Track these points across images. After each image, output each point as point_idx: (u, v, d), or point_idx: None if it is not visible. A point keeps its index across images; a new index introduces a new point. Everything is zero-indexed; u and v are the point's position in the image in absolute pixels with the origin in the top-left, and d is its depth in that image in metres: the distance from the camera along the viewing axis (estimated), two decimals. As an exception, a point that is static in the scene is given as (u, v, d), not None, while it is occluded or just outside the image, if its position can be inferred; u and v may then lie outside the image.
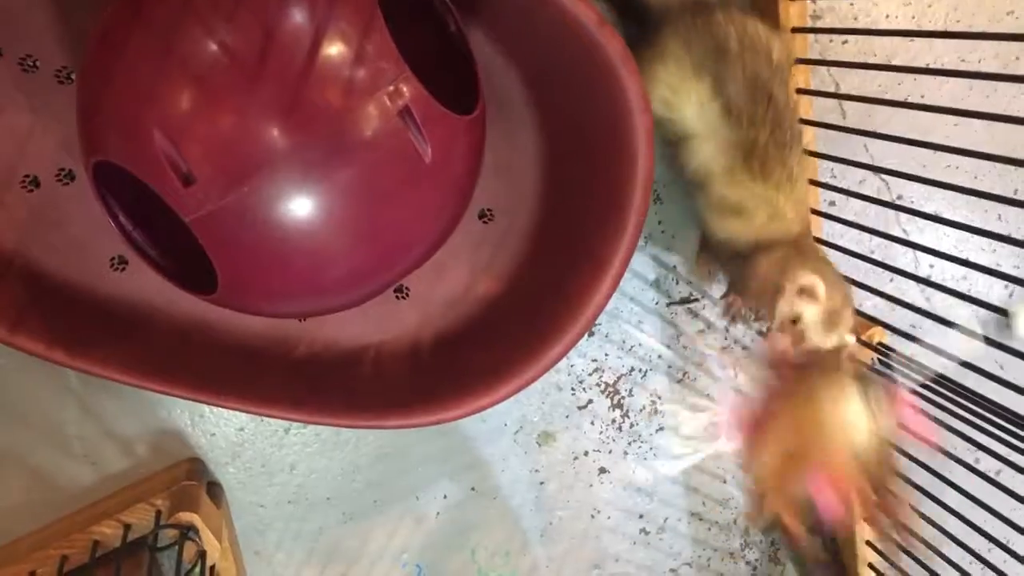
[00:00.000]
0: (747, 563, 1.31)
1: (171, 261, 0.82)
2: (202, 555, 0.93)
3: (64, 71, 0.87)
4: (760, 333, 1.19)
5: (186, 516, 0.93)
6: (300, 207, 0.69)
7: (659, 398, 1.18)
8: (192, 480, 1.00)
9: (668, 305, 1.14)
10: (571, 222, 0.98)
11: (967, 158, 0.81)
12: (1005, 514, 0.93)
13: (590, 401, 1.17)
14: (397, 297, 1.01)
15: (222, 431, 1.05)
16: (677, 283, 1.14)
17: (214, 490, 1.05)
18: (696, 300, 1.15)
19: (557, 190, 1.00)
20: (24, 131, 0.87)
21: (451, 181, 0.79)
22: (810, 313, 0.88)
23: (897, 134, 0.91)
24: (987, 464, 0.94)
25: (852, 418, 0.64)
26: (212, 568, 0.96)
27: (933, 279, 1.22)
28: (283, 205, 0.68)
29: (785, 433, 0.67)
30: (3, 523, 0.99)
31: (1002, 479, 0.92)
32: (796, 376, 0.77)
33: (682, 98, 0.93)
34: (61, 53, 0.86)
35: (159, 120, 0.66)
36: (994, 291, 1.22)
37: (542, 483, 1.18)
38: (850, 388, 0.64)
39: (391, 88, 0.69)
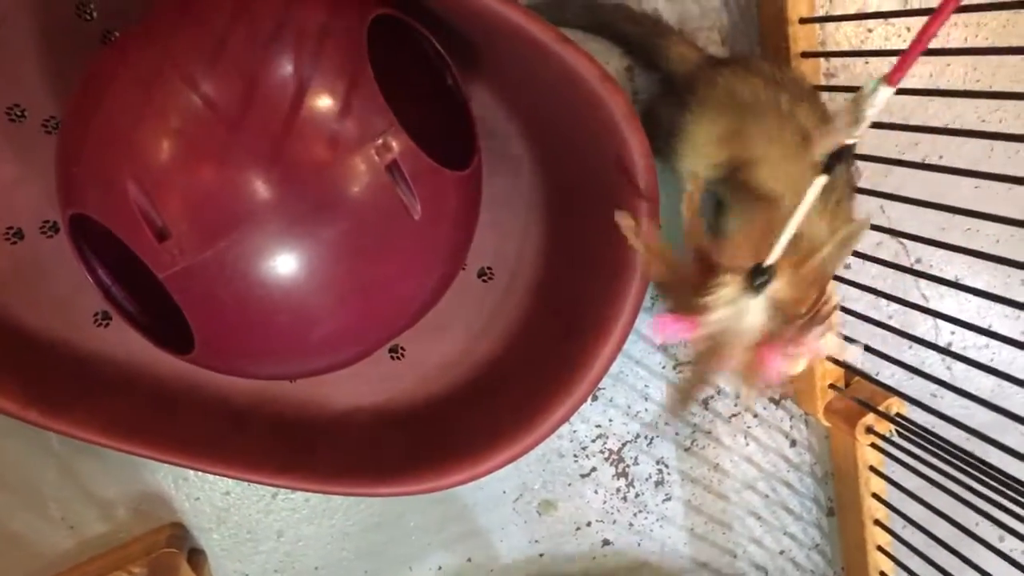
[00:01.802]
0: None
1: (152, 318, 0.79)
2: (180, 627, 0.89)
3: (52, 121, 0.85)
4: (773, 401, 1.14)
5: (165, 584, 0.88)
6: (281, 264, 0.65)
7: (666, 466, 1.13)
8: (173, 547, 0.96)
9: (675, 368, 1.10)
10: (574, 283, 0.94)
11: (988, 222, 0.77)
12: (1034, 599, 0.87)
13: (593, 469, 1.11)
14: (392, 358, 0.97)
15: (207, 495, 1.01)
16: (685, 346, 1.10)
17: (196, 557, 1.00)
18: (704, 364, 1.11)
19: (560, 249, 0.96)
20: (9, 182, 0.85)
21: (443, 239, 0.76)
22: None
23: (915, 196, 0.87)
24: (1011, 544, 0.89)
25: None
26: (190, 641, 0.92)
27: (954, 346, 1.18)
28: (263, 262, 0.65)
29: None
30: (-25, 589, 0.95)
31: (1030, 562, 0.87)
32: None
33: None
34: (49, 103, 0.85)
35: (134, 172, 0.63)
36: (1018, 362, 1.17)
37: (542, 555, 1.13)
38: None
39: (379, 142, 0.66)
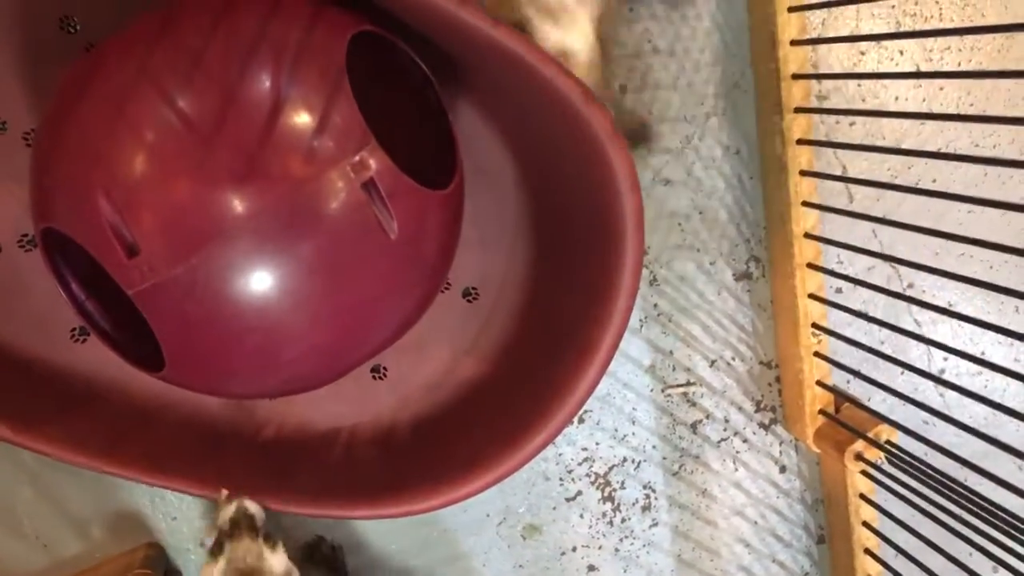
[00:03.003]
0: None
1: (127, 334, 0.78)
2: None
3: (32, 134, 0.84)
4: (762, 426, 1.13)
5: (138, 607, 0.86)
6: (253, 282, 0.64)
7: (653, 491, 1.11)
8: (148, 568, 0.94)
9: (663, 391, 1.08)
10: (559, 304, 0.93)
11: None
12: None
13: (579, 493, 1.10)
14: (374, 377, 0.96)
15: (184, 514, 0.99)
16: (674, 369, 1.08)
17: (173, 579, 0.98)
18: (693, 386, 1.09)
19: (546, 269, 0.95)
20: (-14, 195, 0.84)
21: (421, 258, 0.75)
22: None
23: (907, 220, 0.86)
24: (1005, 577, 0.87)
25: None
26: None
27: (947, 373, 1.16)
28: (235, 279, 0.64)
29: None
30: (-54, 609, 0.93)
31: (1022, 596, 0.85)
32: None
33: None
34: (30, 116, 0.84)
35: (105, 185, 0.62)
36: (1011, 390, 1.15)
37: (525, 580, 1.11)
38: None
39: (355, 159, 0.65)
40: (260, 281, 0.64)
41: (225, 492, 0.81)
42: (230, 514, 0.81)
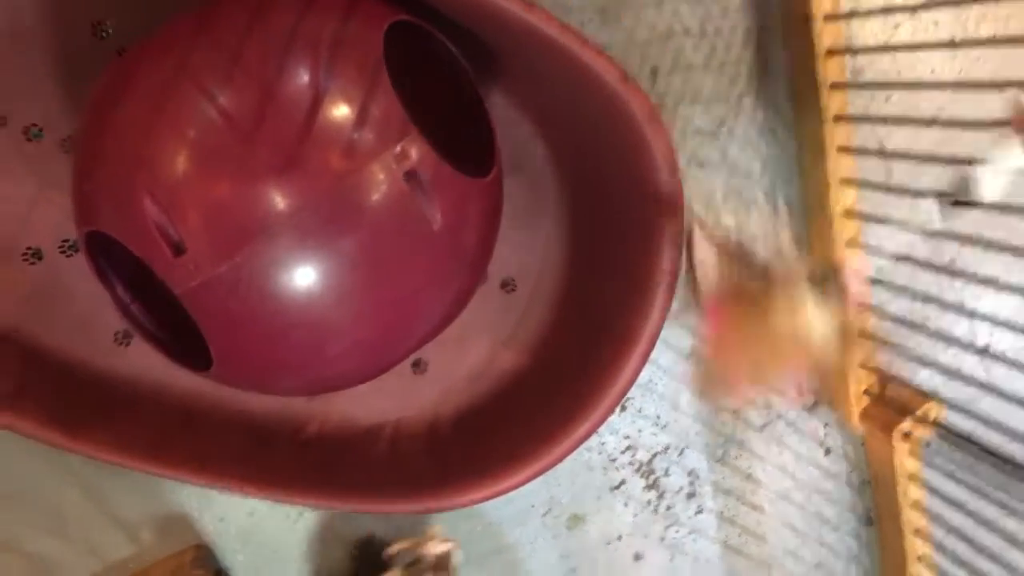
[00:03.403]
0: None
1: (172, 334, 0.78)
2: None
3: (70, 140, 0.84)
4: (806, 408, 1.11)
5: (189, 607, 0.87)
6: (298, 277, 0.64)
7: (697, 477, 1.10)
8: (198, 569, 0.94)
9: (705, 378, 1.08)
10: (598, 293, 0.92)
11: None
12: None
13: (623, 481, 1.09)
14: (415, 372, 0.95)
15: (232, 515, 0.99)
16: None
17: (222, 579, 0.99)
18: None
19: (583, 259, 0.95)
20: (27, 201, 0.84)
21: (463, 249, 0.74)
22: None
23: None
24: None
25: (807, 324, 0.60)
26: (216, 666, 0.90)
27: (992, 348, 1.14)
28: (280, 275, 0.64)
29: (746, 343, 0.62)
30: (1, 613, 0.94)
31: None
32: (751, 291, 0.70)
33: None
34: (66, 122, 0.84)
35: (148, 186, 0.62)
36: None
37: (573, 569, 1.10)
38: (803, 295, 0.60)
39: (397, 150, 0.65)
40: (305, 276, 0.64)
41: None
42: (440, 551, 0.87)
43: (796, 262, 0.64)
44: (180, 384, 0.88)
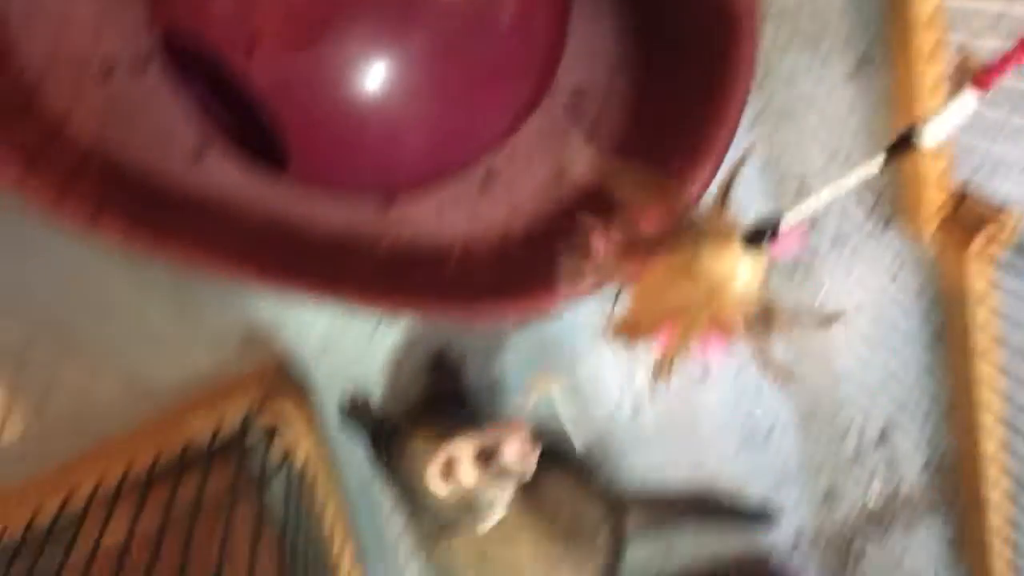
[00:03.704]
0: (860, 473, 1.23)
1: (248, 142, 0.80)
2: (290, 453, 0.92)
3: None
4: (879, 223, 1.09)
5: (275, 410, 0.91)
6: (371, 68, 0.64)
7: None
8: (280, 379, 0.99)
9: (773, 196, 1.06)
10: (669, 104, 0.91)
11: None
12: None
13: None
14: (484, 188, 0.96)
15: (311, 327, 1.03)
16: (784, 174, 1.06)
17: (304, 387, 1.03)
18: (807, 188, 1.07)
19: (653, 69, 0.93)
20: (97, 16, 0.85)
21: (531, 49, 0.74)
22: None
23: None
24: None
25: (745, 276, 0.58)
26: (301, 467, 0.95)
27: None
28: (354, 64, 0.64)
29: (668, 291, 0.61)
30: (97, 421, 1.00)
31: None
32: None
33: None
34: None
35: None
36: None
37: (638, 381, 1.13)
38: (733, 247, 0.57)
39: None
40: (377, 67, 0.64)
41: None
42: (515, 457, 0.86)
43: (727, 214, 0.62)
44: (253, 199, 0.90)
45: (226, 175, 0.88)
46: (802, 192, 1.07)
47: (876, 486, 1.25)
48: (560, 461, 1.04)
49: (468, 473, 0.86)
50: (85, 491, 0.95)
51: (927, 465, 1.26)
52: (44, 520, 0.93)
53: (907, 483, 1.26)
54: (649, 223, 0.61)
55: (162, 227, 0.84)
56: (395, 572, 1.16)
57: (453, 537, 0.93)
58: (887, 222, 1.10)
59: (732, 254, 0.55)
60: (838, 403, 1.19)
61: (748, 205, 1.01)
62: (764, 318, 0.61)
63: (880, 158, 0.53)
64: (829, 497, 1.24)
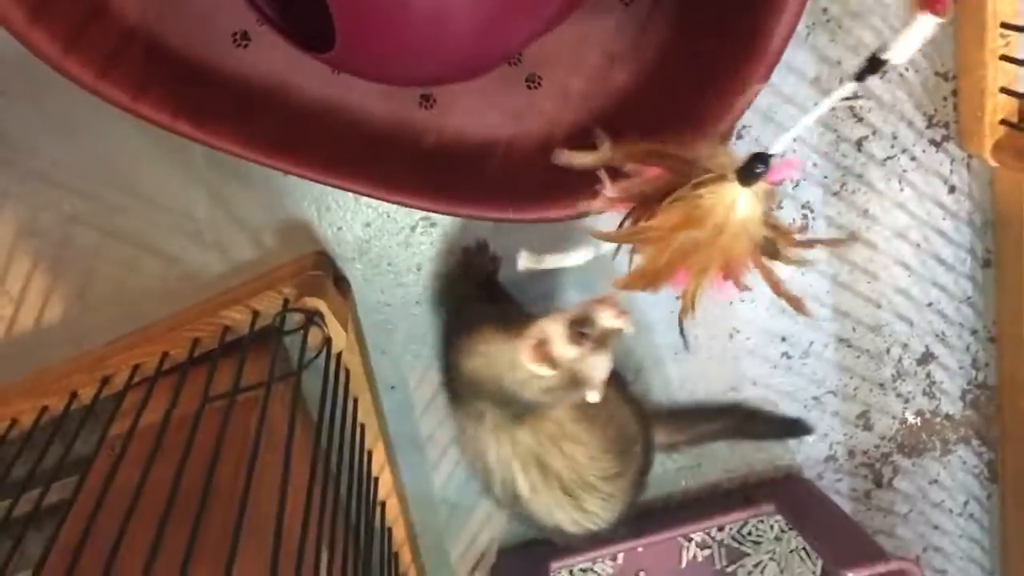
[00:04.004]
0: (898, 395, 1.22)
1: (294, 27, 0.78)
2: (328, 342, 0.92)
3: None
4: (933, 143, 1.06)
5: (312, 302, 0.91)
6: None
7: (811, 211, 1.08)
8: (318, 272, 0.99)
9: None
10: (720, 7, 0.87)
11: None
12: None
13: (734, 212, 1.08)
14: (528, 87, 0.94)
15: (348, 225, 1.03)
16: (841, 81, 1.02)
17: (341, 284, 1.03)
18: (861, 99, 1.03)
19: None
20: None
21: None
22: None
23: None
24: None
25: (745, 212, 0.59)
26: (338, 356, 0.95)
27: None
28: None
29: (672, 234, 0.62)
30: (138, 307, 1.01)
31: None
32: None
33: None
34: None
35: None
36: None
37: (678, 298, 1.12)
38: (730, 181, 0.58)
39: None
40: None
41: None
42: (611, 325, 0.86)
43: (723, 153, 0.61)
44: (302, 85, 0.89)
45: (270, 60, 0.87)
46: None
47: (913, 409, 1.24)
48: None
49: (565, 349, 0.86)
50: (123, 375, 0.96)
51: (966, 392, 1.24)
52: (84, 399, 0.95)
53: (944, 408, 1.24)
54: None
55: (204, 109, 0.84)
56: (426, 469, 1.17)
57: (520, 427, 0.94)
58: (943, 138, 1.06)
59: (730, 190, 0.58)
60: (879, 323, 1.17)
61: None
62: (769, 247, 0.62)
63: (852, 84, 0.57)
64: (864, 417, 1.23)
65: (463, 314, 1.03)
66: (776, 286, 0.64)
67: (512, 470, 0.96)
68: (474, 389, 0.95)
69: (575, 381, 0.88)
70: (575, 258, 0.79)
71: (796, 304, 0.65)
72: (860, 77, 0.56)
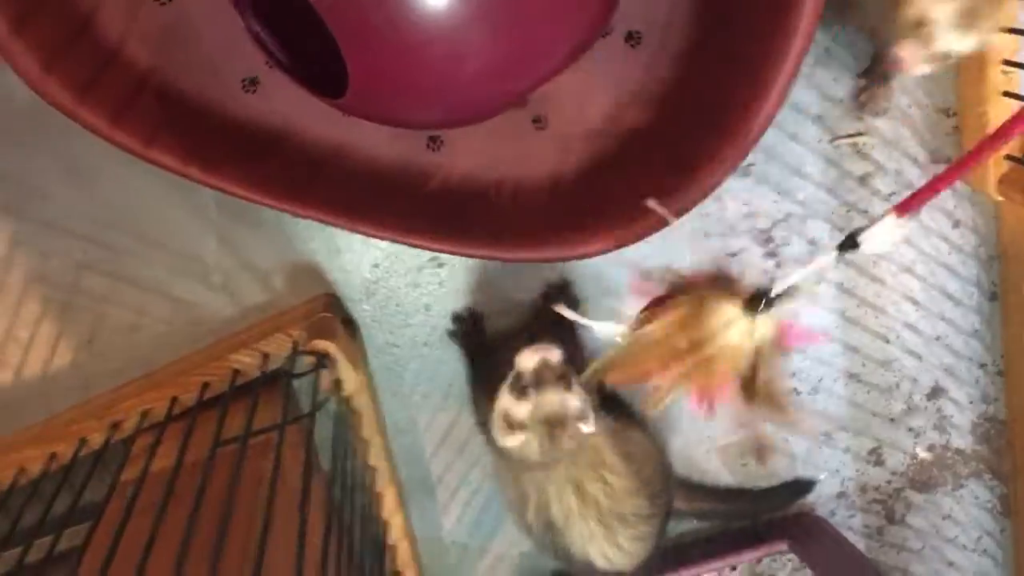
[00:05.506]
0: (908, 430, 1.21)
1: (305, 71, 0.79)
2: (337, 383, 0.92)
3: None
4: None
5: (323, 344, 0.91)
6: (432, -12, 0.63)
7: (818, 247, 1.09)
8: (328, 314, 0.99)
9: (832, 142, 1.04)
10: (727, 44, 0.88)
11: None
12: None
13: (742, 249, 1.08)
14: (536, 128, 0.94)
15: (357, 268, 1.03)
16: (844, 118, 1.03)
17: (349, 326, 1.03)
18: (864, 135, 1.04)
19: (711, 10, 0.90)
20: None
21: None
22: (940, 11, 0.79)
23: None
24: None
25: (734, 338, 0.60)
26: (348, 399, 0.95)
27: None
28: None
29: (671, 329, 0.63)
30: (147, 351, 1.01)
31: None
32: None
33: None
34: None
35: None
36: None
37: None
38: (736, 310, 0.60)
39: None
40: (439, -12, 0.63)
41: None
42: (533, 365, 0.88)
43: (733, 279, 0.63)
44: (306, 130, 0.89)
45: (281, 104, 0.88)
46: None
47: (924, 444, 1.23)
48: (641, 425, 1.07)
49: (518, 408, 0.88)
50: (133, 420, 0.96)
51: (976, 426, 1.24)
52: (93, 445, 0.95)
53: (955, 442, 1.24)
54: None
55: (214, 154, 0.84)
56: (436, 511, 1.16)
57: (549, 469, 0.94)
58: (948, 173, 1.07)
59: (729, 310, 0.60)
60: (889, 358, 1.17)
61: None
62: (747, 387, 0.63)
63: (832, 254, 0.60)
64: (875, 453, 1.22)
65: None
66: (746, 426, 0.67)
67: (548, 494, 0.95)
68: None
69: (554, 423, 0.88)
70: (600, 329, 0.80)
71: (760, 454, 0.68)
72: (841, 249, 0.59)
